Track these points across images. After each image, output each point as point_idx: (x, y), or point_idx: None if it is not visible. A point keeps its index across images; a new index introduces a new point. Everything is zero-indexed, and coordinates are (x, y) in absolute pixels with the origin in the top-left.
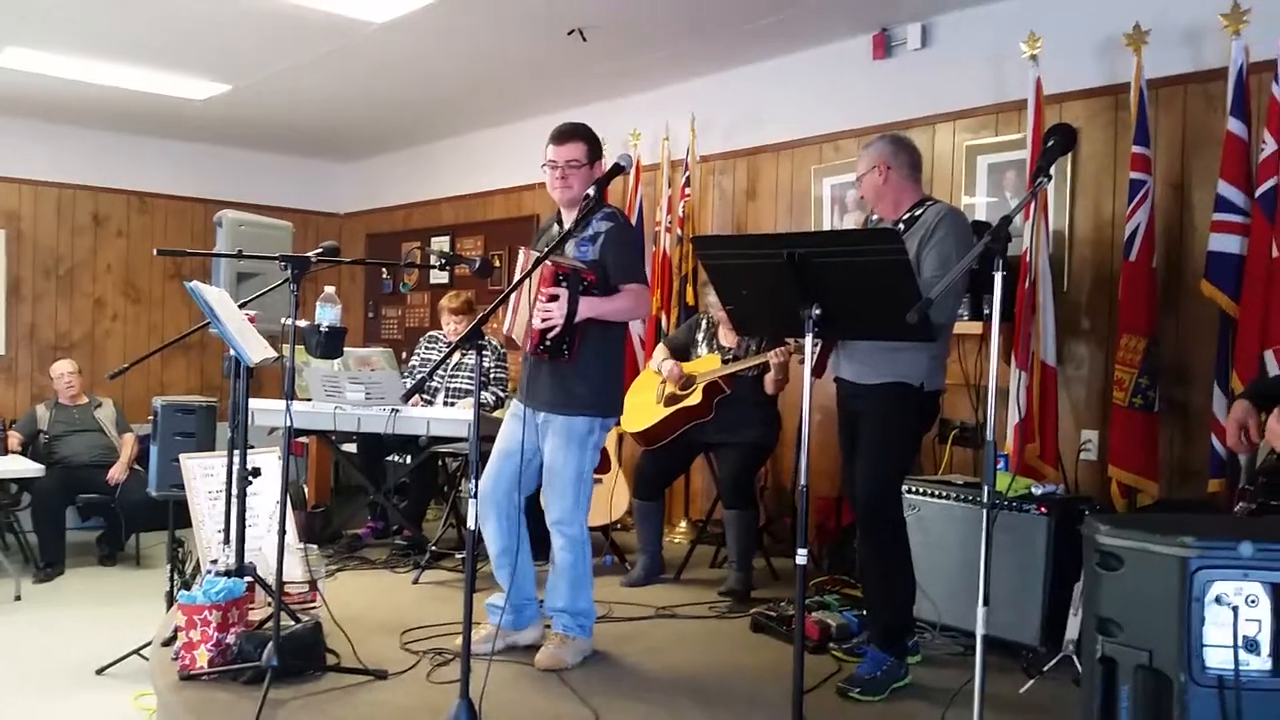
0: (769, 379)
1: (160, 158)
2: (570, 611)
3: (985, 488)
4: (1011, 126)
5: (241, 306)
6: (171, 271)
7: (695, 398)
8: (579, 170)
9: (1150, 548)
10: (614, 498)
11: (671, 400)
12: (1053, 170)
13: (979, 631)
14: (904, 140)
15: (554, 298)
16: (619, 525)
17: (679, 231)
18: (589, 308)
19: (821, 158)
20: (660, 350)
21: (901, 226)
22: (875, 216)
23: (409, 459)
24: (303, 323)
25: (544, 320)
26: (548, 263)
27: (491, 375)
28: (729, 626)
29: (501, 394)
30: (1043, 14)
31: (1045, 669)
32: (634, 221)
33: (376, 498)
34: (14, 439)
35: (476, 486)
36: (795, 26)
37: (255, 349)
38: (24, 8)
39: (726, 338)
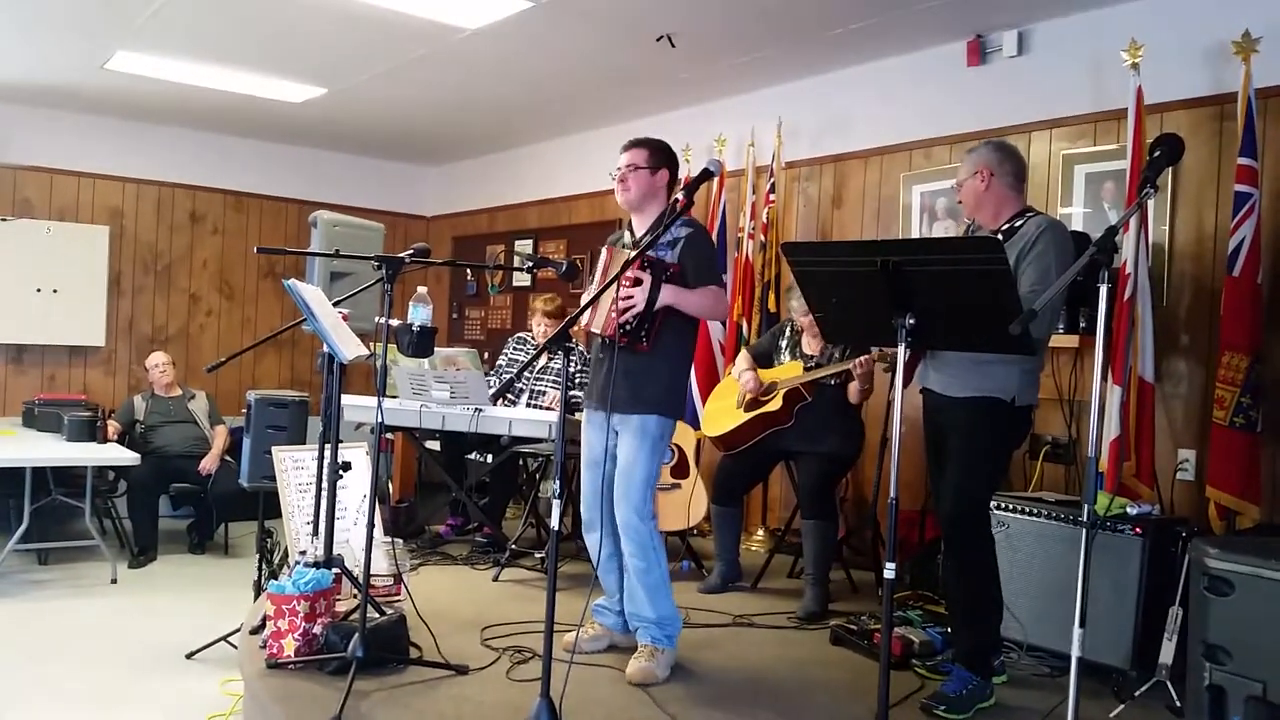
0: (853, 388)
1: (256, 158)
2: (656, 620)
3: (1086, 507)
4: (1110, 136)
5: (335, 305)
6: (265, 270)
7: (775, 403)
8: (636, 174)
9: (1265, 573)
10: (692, 504)
11: (751, 405)
12: (1159, 181)
13: (1074, 654)
14: (1010, 148)
15: (637, 281)
16: (696, 531)
17: (762, 238)
18: (670, 295)
19: (911, 165)
20: (743, 358)
21: (1000, 237)
22: (971, 224)
23: (489, 458)
24: (394, 321)
25: (624, 301)
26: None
27: (577, 381)
28: (807, 638)
29: None
30: (1145, 21)
31: (1137, 694)
32: (717, 227)
33: (459, 495)
34: (112, 428)
35: (561, 488)
36: (886, 32)
37: (349, 346)
38: (132, 10)
39: (810, 345)
